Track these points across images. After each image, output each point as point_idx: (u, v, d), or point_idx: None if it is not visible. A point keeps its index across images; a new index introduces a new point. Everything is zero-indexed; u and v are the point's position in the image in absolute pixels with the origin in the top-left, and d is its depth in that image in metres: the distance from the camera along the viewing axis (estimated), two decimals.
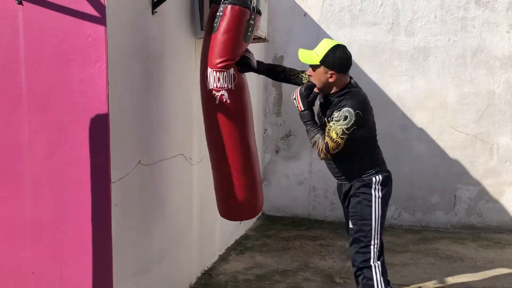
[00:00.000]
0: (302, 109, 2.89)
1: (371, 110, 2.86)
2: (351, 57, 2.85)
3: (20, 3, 2.47)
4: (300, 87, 2.90)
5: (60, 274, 2.58)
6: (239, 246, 4.65)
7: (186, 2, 3.49)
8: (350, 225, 2.93)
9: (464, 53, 5.24)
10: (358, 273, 2.87)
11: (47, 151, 2.54)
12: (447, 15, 5.24)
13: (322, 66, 2.78)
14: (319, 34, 5.45)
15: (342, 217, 5.49)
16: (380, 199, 2.86)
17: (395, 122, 5.38)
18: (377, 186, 2.86)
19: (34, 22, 2.47)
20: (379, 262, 2.84)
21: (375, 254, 2.83)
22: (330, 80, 2.79)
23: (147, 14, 2.92)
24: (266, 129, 5.75)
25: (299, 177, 5.70)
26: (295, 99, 2.93)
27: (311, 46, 5.46)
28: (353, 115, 2.68)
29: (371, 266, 2.82)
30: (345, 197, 3.02)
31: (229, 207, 3.24)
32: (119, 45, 2.60)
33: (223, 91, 2.98)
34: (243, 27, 2.95)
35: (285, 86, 5.60)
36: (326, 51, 2.77)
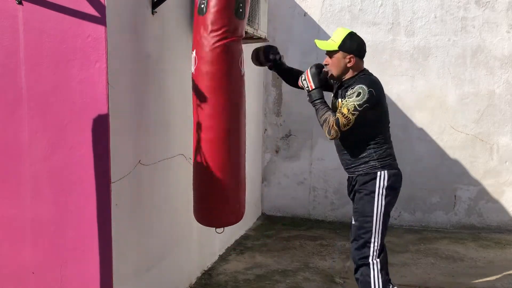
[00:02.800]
0: (313, 87, 2.85)
1: (384, 96, 2.84)
2: (364, 43, 2.90)
3: (20, 3, 2.47)
4: (309, 67, 2.91)
5: (60, 274, 2.58)
6: (239, 246, 4.65)
7: (186, 2, 3.49)
8: (353, 221, 2.90)
9: (464, 53, 5.24)
10: (357, 269, 2.86)
11: (47, 151, 2.54)
12: (447, 15, 5.24)
13: (340, 51, 2.83)
14: (319, 34, 5.45)
15: (342, 217, 5.55)
16: (383, 196, 2.80)
17: (395, 122, 5.34)
18: (381, 183, 2.80)
19: (34, 22, 2.47)
20: (378, 260, 2.80)
21: (375, 252, 2.80)
22: (349, 64, 2.83)
23: (147, 14, 2.92)
24: (266, 129, 5.75)
25: (299, 177, 5.70)
26: (305, 79, 2.89)
27: (311, 46, 5.49)
28: (366, 92, 2.68)
29: (369, 263, 2.80)
30: (351, 191, 2.98)
31: (199, 209, 3.10)
32: (119, 45, 2.60)
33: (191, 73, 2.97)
34: (233, 3, 2.82)
35: (285, 86, 5.60)
36: (343, 37, 2.83)
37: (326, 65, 2.91)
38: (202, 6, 2.83)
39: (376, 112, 2.79)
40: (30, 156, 2.57)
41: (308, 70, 2.90)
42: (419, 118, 5.36)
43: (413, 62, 5.33)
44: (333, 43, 2.85)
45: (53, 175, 2.54)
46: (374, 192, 2.81)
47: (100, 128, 2.46)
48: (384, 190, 2.81)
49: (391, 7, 5.32)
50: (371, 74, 2.87)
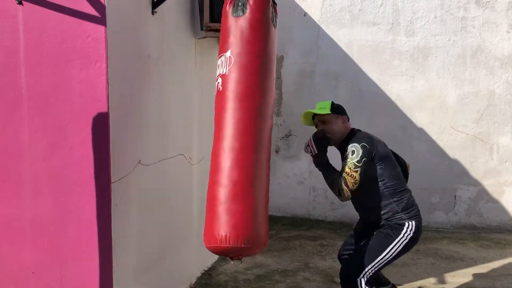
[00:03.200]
0: (316, 151, 2.91)
1: (382, 146, 2.87)
2: None
3: (20, 3, 2.47)
4: (312, 135, 2.96)
5: (60, 274, 2.58)
6: None
7: (186, 2, 3.49)
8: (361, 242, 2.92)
9: (464, 53, 5.24)
10: (341, 278, 2.87)
11: (47, 151, 2.54)
12: (447, 15, 5.24)
13: (333, 113, 2.92)
14: (319, 34, 5.45)
15: (342, 217, 5.55)
16: (404, 243, 2.81)
17: (395, 122, 5.39)
18: (408, 232, 2.82)
19: (34, 22, 2.47)
20: (364, 279, 2.79)
21: (364, 279, 2.79)
22: (343, 124, 2.94)
23: (147, 14, 2.92)
24: None
25: (299, 177, 5.70)
26: (308, 145, 2.95)
27: (311, 46, 5.51)
28: (359, 147, 2.77)
29: (356, 282, 2.79)
30: (365, 227, 2.98)
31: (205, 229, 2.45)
32: (119, 45, 2.60)
33: (219, 78, 2.55)
34: (269, 10, 2.55)
35: (285, 86, 5.60)
36: (329, 103, 2.96)
37: (322, 130, 2.94)
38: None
39: (379, 164, 2.80)
40: (30, 156, 2.57)
41: (311, 137, 2.95)
42: (419, 118, 5.36)
43: (413, 62, 5.33)
44: (323, 108, 2.94)
45: (53, 175, 2.54)
46: (398, 235, 2.80)
47: (100, 128, 2.46)
48: (407, 240, 2.82)
49: (391, 7, 5.32)
50: (358, 132, 2.93)
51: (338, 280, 3.87)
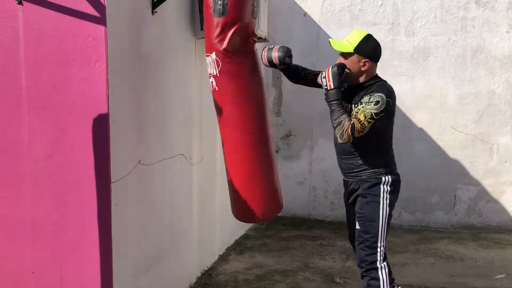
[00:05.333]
0: (332, 87, 2.74)
1: (395, 105, 2.85)
2: (380, 46, 2.86)
3: (20, 3, 2.47)
4: (331, 66, 2.79)
5: (60, 274, 2.58)
6: (239, 246, 4.65)
7: (186, 2, 3.49)
8: (357, 226, 2.90)
9: (464, 53, 5.24)
10: (365, 273, 2.86)
11: (47, 151, 2.54)
12: (447, 15, 5.24)
13: (355, 54, 2.77)
14: (319, 34, 5.45)
15: (342, 216, 5.52)
16: (388, 200, 2.82)
17: (395, 122, 5.36)
18: (386, 187, 2.82)
19: (34, 22, 2.47)
20: (385, 263, 2.81)
21: (382, 256, 2.81)
22: (363, 68, 2.78)
23: (147, 14, 2.92)
24: None
25: (299, 177, 5.70)
26: (324, 77, 2.77)
27: (311, 46, 5.50)
28: (385, 101, 2.68)
29: (377, 267, 2.80)
30: (350, 196, 2.99)
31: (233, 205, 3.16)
32: (119, 45, 2.60)
33: (212, 77, 2.89)
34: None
35: (285, 86, 5.60)
36: (359, 40, 2.77)
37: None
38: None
39: (390, 121, 2.82)
40: (30, 156, 2.56)
41: (330, 69, 2.77)
42: (419, 118, 5.36)
43: (413, 62, 5.33)
44: (349, 44, 2.78)
45: (53, 175, 2.54)
46: (379, 196, 2.82)
47: (100, 128, 2.46)
48: (388, 195, 2.83)
49: (391, 7, 5.32)
50: (385, 82, 2.85)
51: (338, 280, 3.89)
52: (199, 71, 3.68)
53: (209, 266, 4.08)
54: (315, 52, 5.49)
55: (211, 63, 2.85)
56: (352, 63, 2.78)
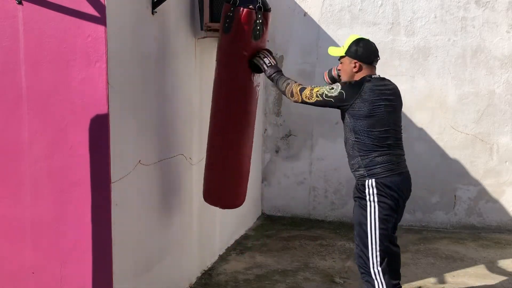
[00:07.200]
0: (274, 62, 3.02)
1: (379, 105, 2.79)
2: (376, 49, 2.97)
3: (20, 3, 2.48)
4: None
5: (60, 274, 2.58)
6: (239, 246, 4.64)
7: (186, 2, 3.49)
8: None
9: (464, 53, 5.23)
10: (361, 276, 2.87)
11: (47, 151, 2.54)
12: (447, 15, 5.23)
13: (346, 57, 2.91)
14: (319, 34, 5.45)
15: (342, 216, 5.55)
16: (374, 203, 2.76)
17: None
18: (371, 190, 2.77)
19: (34, 22, 2.47)
20: (380, 268, 2.76)
21: (375, 260, 2.77)
22: (354, 70, 2.89)
23: (147, 14, 2.92)
24: (266, 129, 5.74)
25: (299, 177, 5.69)
26: (266, 56, 3.06)
27: (311, 46, 5.51)
28: (339, 90, 2.80)
29: (370, 272, 2.79)
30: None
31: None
32: (119, 45, 2.60)
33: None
34: (250, 27, 2.96)
35: None
36: (350, 43, 2.92)
37: (339, 70, 3.03)
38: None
39: (364, 122, 2.76)
40: (30, 156, 2.57)
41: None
42: (419, 118, 5.36)
43: (413, 62, 5.33)
44: (342, 48, 2.96)
45: (53, 175, 2.54)
46: (365, 199, 2.80)
47: (100, 128, 2.46)
48: (374, 197, 2.77)
49: (391, 7, 5.32)
50: (368, 80, 2.82)
51: (338, 280, 3.89)
52: (199, 71, 3.68)
53: (209, 266, 4.08)
54: (315, 52, 5.49)
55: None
56: (345, 66, 2.94)
